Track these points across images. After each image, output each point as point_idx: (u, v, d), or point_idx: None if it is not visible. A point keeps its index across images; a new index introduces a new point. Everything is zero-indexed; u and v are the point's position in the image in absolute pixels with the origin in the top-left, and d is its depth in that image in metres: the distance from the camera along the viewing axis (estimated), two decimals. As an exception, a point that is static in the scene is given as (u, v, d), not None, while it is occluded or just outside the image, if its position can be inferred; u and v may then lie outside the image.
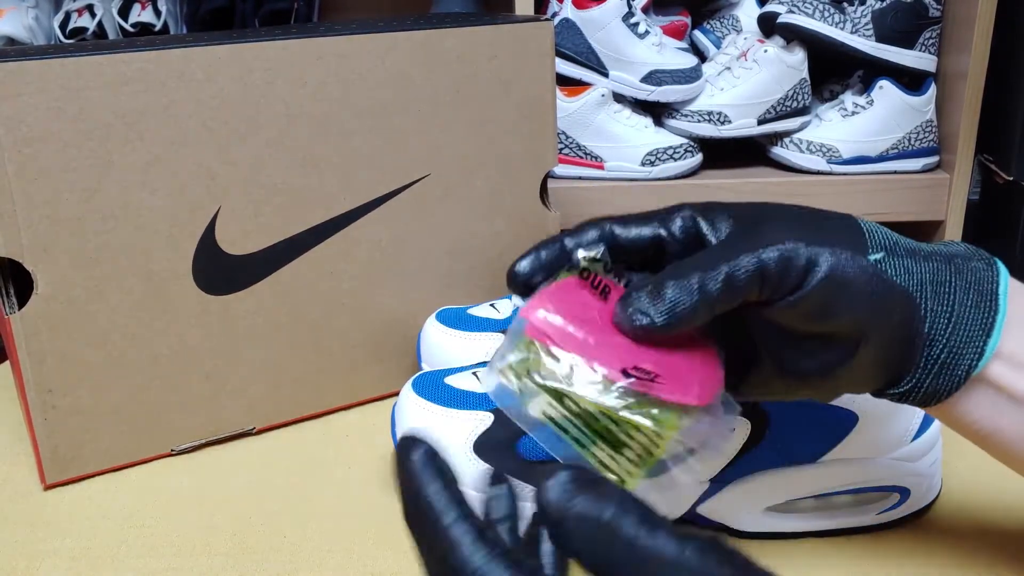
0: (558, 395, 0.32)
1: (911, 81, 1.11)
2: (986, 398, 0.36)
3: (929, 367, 0.36)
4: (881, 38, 1.09)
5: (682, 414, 0.32)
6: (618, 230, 0.37)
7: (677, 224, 0.37)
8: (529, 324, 0.33)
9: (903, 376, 0.36)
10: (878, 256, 0.34)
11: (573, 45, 1.10)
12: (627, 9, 1.09)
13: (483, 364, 0.53)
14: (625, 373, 0.32)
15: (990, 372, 0.36)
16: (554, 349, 0.33)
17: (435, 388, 0.50)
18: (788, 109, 1.11)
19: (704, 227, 0.36)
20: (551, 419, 0.32)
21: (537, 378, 0.32)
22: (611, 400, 0.32)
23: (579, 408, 0.32)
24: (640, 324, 0.33)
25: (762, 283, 0.33)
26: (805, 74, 1.11)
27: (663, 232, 0.37)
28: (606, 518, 0.25)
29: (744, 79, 1.10)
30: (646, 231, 0.37)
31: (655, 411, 0.32)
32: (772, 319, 0.35)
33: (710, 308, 0.33)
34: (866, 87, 1.12)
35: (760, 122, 1.11)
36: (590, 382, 0.32)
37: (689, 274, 0.33)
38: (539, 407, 0.32)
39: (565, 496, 0.25)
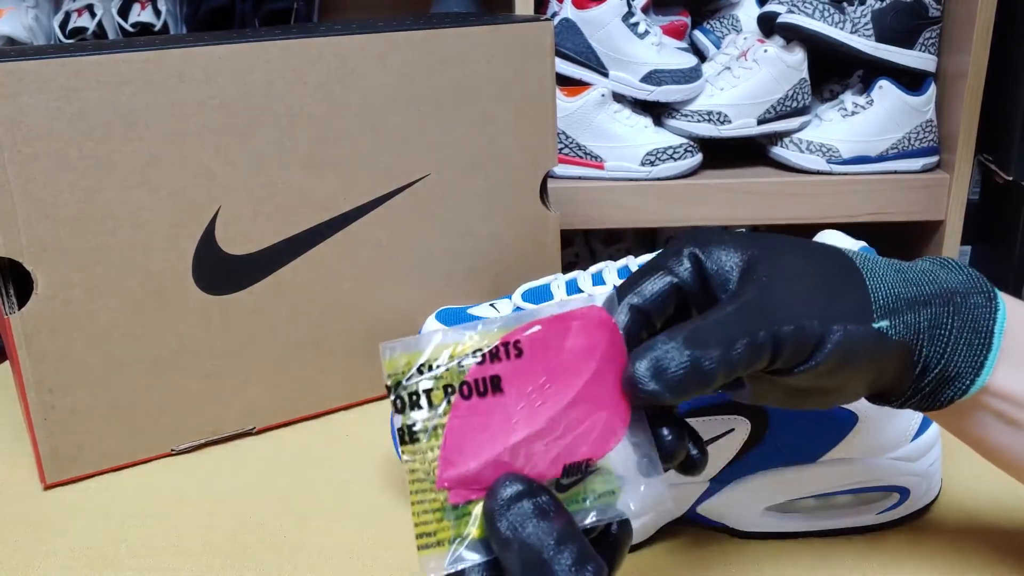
0: None
1: (911, 81, 1.11)
2: (984, 419, 0.37)
3: (917, 393, 0.37)
4: (881, 38, 1.09)
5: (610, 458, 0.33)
6: (635, 301, 0.35)
7: (685, 269, 0.36)
8: (451, 492, 0.31)
9: (891, 398, 0.37)
10: (883, 324, 0.35)
11: (573, 45, 1.10)
12: (627, 9, 1.09)
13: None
14: (558, 483, 0.32)
15: (984, 400, 0.37)
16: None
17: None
18: (788, 109, 1.11)
19: (709, 268, 0.36)
20: None
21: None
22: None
23: None
24: (653, 396, 0.32)
25: (774, 357, 0.33)
26: (805, 74, 1.11)
27: (676, 280, 0.36)
28: (546, 556, 0.29)
29: (744, 79, 1.10)
30: (660, 286, 0.36)
31: (595, 479, 0.32)
32: (777, 379, 0.35)
33: (724, 380, 0.33)
34: (866, 87, 1.12)
35: (760, 122, 1.11)
36: None
37: (710, 346, 0.32)
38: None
39: (517, 518, 0.30)
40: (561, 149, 1.10)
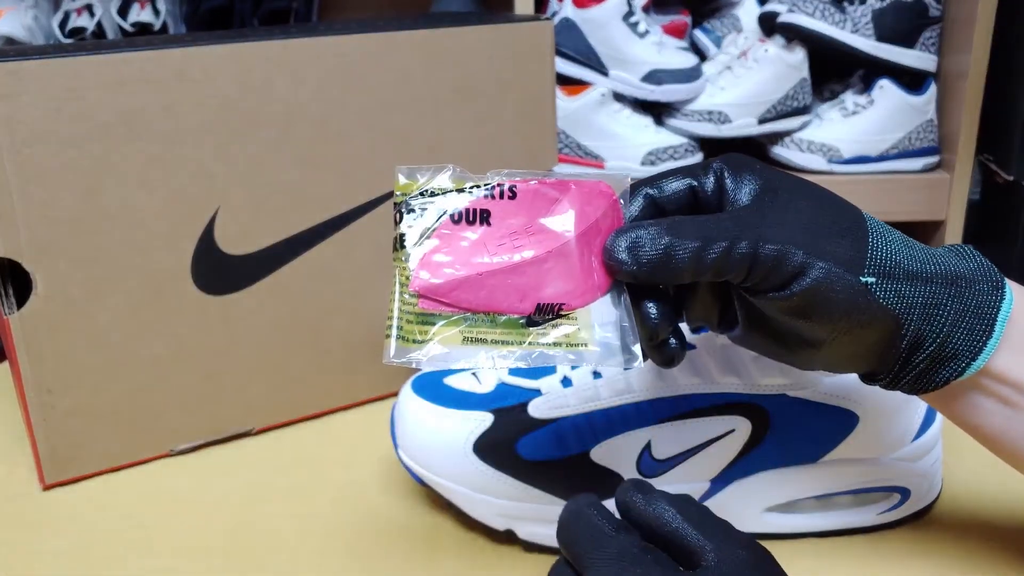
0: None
1: (911, 81, 1.11)
2: (983, 403, 0.37)
3: (908, 371, 0.37)
4: (881, 38, 1.09)
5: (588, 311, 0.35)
6: (652, 192, 0.37)
7: (708, 179, 0.37)
8: (420, 298, 0.35)
9: (876, 374, 0.38)
10: (870, 280, 0.35)
11: (573, 45, 1.09)
12: (627, 8, 1.09)
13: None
14: (530, 319, 0.34)
15: (983, 383, 0.37)
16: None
17: (435, 388, 0.50)
18: (788, 109, 1.11)
19: (729, 184, 0.37)
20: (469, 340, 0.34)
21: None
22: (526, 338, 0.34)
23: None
24: (622, 268, 0.34)
25: (750, 272, 0.34)
26: (805, 73, 1.11)
27: (696, 184, 0.37)
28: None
29: (744, 78, 1.10)
30: (679, 185, 0.37)
31: (567, 325, 0.35)
32: (751, 299, 0.36)
33: (693, 276, 0.34)
34: (866, 87, 1.12)
35: (760, 121, 1.11)
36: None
37: (688, 238, 0.34)
38: (455, 339, 0.34)
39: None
40: (561, 149, 1.10)
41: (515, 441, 0.46)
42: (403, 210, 0.35)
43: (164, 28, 1.16)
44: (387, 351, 0.34)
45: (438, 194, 0.35)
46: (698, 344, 0.45)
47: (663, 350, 0.37)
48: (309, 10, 1.25)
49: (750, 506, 0.47)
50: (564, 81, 1.09)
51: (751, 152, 1.16)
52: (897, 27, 1.09)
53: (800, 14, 1.09)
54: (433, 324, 0.34)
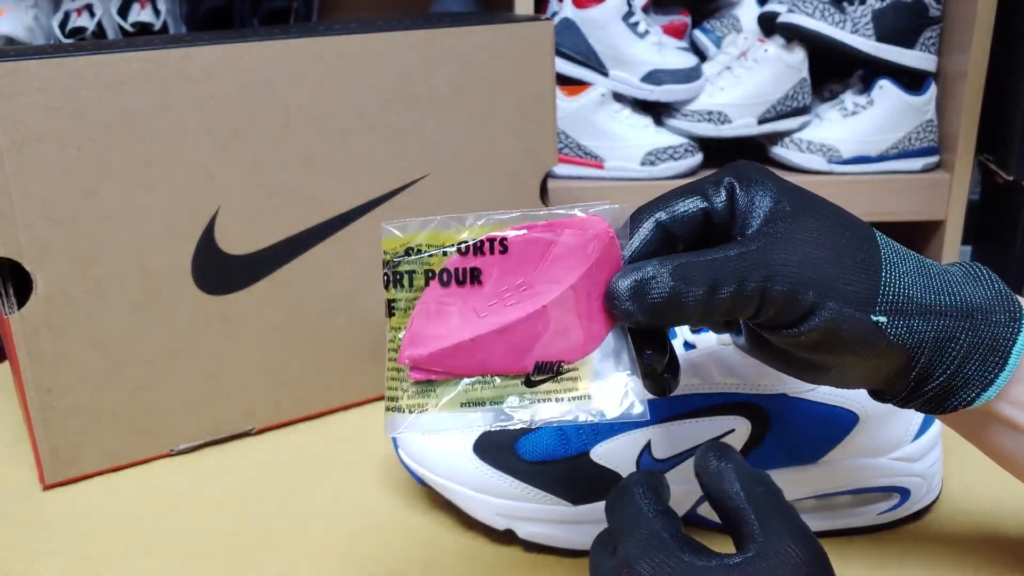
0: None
1: (911, 81, 1.11)
2: (993, 427, 0.37)
3: (920, 397, 0.36)
4: (881, 38, 1.09)
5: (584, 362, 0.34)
6: (663, 217, 0.35)
7: (720, 199, 0.35)
8: (411, 369, 0.33)
9: (888, 397, 0.37)
10: (881, 319, 0.34)
11: (573, 45, 1.09)
12: (627, 8, 1.09)
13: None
14: (528, 378, 0.33)
15: (994, 409, 0.36)
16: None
17: None
18: (788, 109, 1.11)
19: (740, 201, 0.35)
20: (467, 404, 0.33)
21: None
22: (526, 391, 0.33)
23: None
24: (628, 317, 0.33)
25: (758, 311, 0.33)
26: (805, 74, 1.11)
27: (708, 207, 0.35)
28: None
29: (744, 79, 1.10)
30: (691, 208, 0.35)
31: (568, 380, 0.33)
32: (760, 331, 0.35)
33: (701, 320, 0.33)
34: (866, 87, 1.12)
35: (760, 122, 1.11)
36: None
37: (695, 283, 0.32)
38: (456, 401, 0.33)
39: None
40: (561, 149, 1.10)
41: (515, 441, 0.46)
42: (390, 275, 0.33)
43: (164, 28, 1.16)
44: (386, 425, 0.33)
45: (424, 253, 0.33)
46: (698, 344, 0.45)
47: (657, 380, 0.36)
48: (309, 10, 1.25)
49: (750, 506, 0.47)
50: (564, 81, 1.09)
51: (751, 152, 1.16)
52: (897, 27, 1.09)
53: (800, 14, 1.09)
54: (430, 392, 0.33)
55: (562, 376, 0.33)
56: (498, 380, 0.33)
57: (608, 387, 0.33)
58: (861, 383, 0.37)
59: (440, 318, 0.33)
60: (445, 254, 0.33)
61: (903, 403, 0.37)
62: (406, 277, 0.33)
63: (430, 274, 0.33)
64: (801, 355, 0.35)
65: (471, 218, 0.34)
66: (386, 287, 0.33)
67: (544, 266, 0.33)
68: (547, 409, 0.33)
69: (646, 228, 0.35)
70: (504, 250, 0.33)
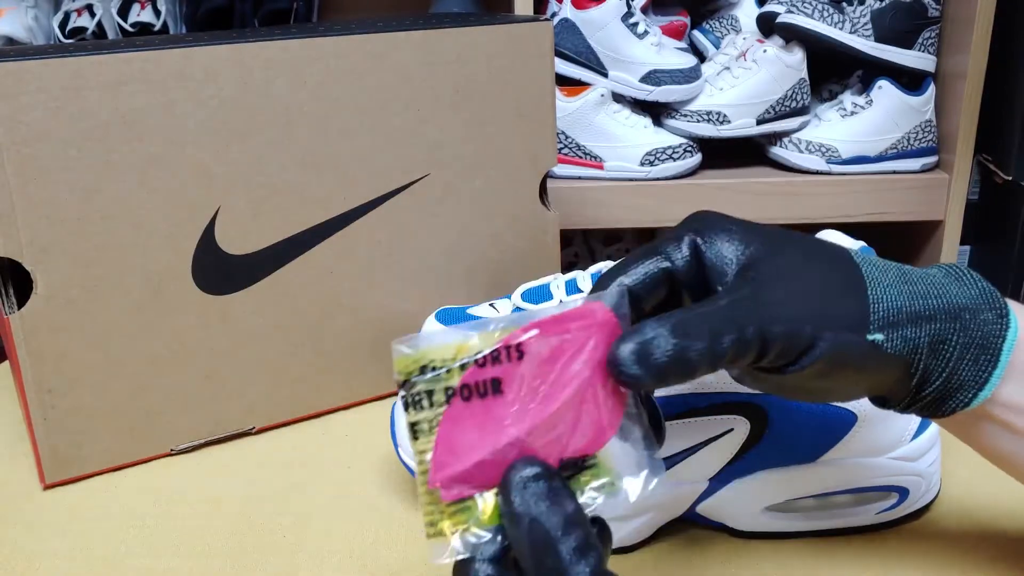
0: None
1: (910, 81, 1.11)
2: (990, 429, 0.37)
3: (919, 402, 0.37)
4: (880, 38, 1.09)
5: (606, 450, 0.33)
6: (626, 282, 0.35)
7: (682, 256, 0.36)
8: (443, 491, 0.32)
9: (891, 404, 0.37)
10: (878, 338, 0.34)
11: (572, 45, 1.10)
12: (626, 9, 1.09)
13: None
14: (558, 472, 0.33)
15: (990, 411, 0.37)
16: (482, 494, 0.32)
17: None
18: (787, 109, 1.11)
19: (708, 256, 0.35)
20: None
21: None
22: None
23: None
24: (636, 381, 0.32)
25: (760, 354, 0.33)
26: (804, 74, 1.11)
27: (670, 266, 0.36)
28: (553, 535, 0.30)
29: (743, 79, 1.10)
30: (652, 270, 0.36)
31: (592, 471, 0.33)
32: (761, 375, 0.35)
33: (706, 372, 0.33)
34: (865, 87, 1.13)
35: (759, 122, 1.11)
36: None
37: (695, 338, 0.32)
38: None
39: (532, 496, 0.31)
40: (561, 149, 1.10)
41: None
42: (408, 397, 0.32)
43: (164, 28, 1.16)
44: (431, 553, 0.32)
45: (441, 368, 0.32)
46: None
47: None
48: (309, 10, 1.25)
49: (749, 505, 0.47)
50: (564, 81, 1.10)
51: (750, 152, 1.16)
52: (896, 27, 1.09)
53: (799, 15, 1.09)
54: (466, 511, 0.32)
55: (586, 469, 0.33)
56: None
57: (628, 468, 0.33)
58: (864, 395, 0.37)
59: (465, 433, 0.32)
60: (463, 368, 0.32)
61: (903, 409, 0.37)
62: (425, 397, 0.32)
63: (450, 391, 0.32)
64: (805, 385, 0.35)
65: (478, 327, 0.33)
66: (406, 409, 0.32)
67: (559, 365, 0.33)
68: (584, 504, 0.33)
69: (613, 296, 0.35)
70: (520, 356, 0.33)
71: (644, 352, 0.32)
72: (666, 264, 0.36)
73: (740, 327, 0.32)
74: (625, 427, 0.34)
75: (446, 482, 0.32)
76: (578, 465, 0.33)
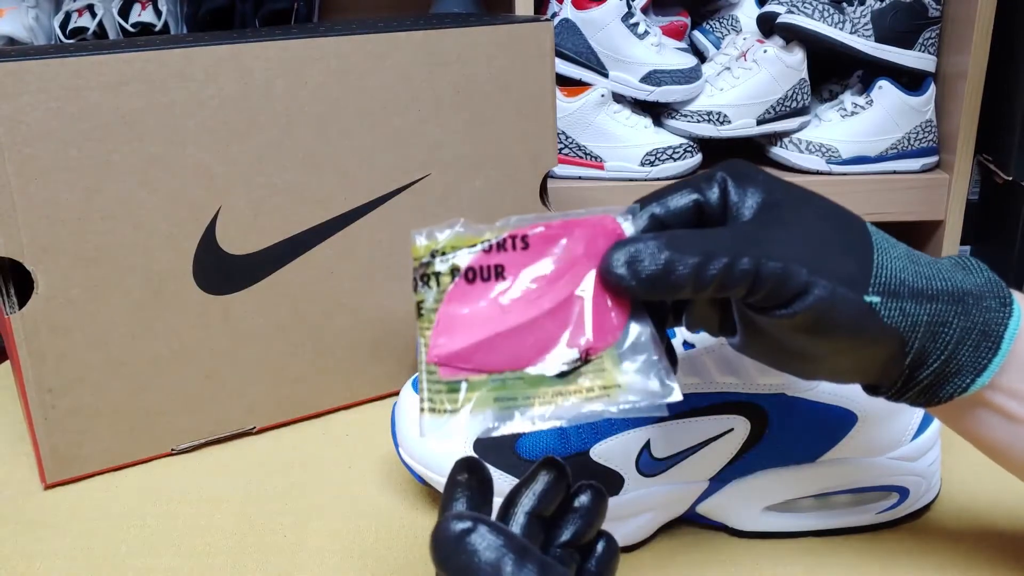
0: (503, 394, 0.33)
1: (910, 81, 1.11)
2: (986, 417, 0.37)
3: (915, 386, 0.36)
4: (880, 38, 1.09)
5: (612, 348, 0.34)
6: (657, 210, 0.36)
7: (713, 192, 0.36)
8: (440, 367, 0.33)
9: (882, 389, 0.37)
10: (874, 300, 0.34)
11: (573, 45, 1.10)
12: (627, 9, 1.09)
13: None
14: (559, 372, 0.33)
15: (987, 398, 0.37)
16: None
17: None
18: (787, 109, 1.11)
19: (732, 195, 0.36)
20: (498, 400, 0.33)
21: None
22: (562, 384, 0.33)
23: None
24: (620, 283, 0.33)
25: (752, 289, 0.33)
26: (804, 74, 1.11)
27: (701, 200, 0.36)
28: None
29: (743, 79, 1.10)
30: (684, 202, 0.36)
31: (596, 370, 0.34)
32: (753, 315, 0.36)
33: (694, 292, 0.34)
34: (865, 87, 1.12)
35: (759, 122, 1.11)
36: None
37: (688, 252, 0.33)
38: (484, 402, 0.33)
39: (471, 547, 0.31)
40: (561, 149, 1.10)
41: (515, 440, 0.46)
42: (417, 278, 0.34)
43: (165, 29, 1.16)
44: (422, 426, 0.33)
45: (450, 254, 0.34)
46: (697, 344, 0.45)
47: None
48: (310, 11, 1.25)
49: (749, 505, 0.47)
50: (564, 82, 1.10)
51: (750, 153, 1.16)
52: (896, 28, 1.09)
53: (799, 15, 1.09)
54: (460, 390, 0.33)
55: (589, 366, 0.33)
56: (526, 374, 0.33)
57: (637, 375, 0.34)
58: (856, 374, 0.37)
59: (467, 315, 0.34)
60: (472, 249, 0.34)
61: (898, 395, 0.37)
62: (433, 278, 0.34)
63: (455, 272, 0.34)
64: (795, 341, 0.35)
65: (488, 226, 0.35)
66: (415, 289, 0.34)
67: (564, 261, 0.34)
68: (580, 403, 0.33)
69: (641, 220, 0.36)
70: (526, 247, 0.34)
71: (634, 258, 0.33)
72: (697, 196, 0.36)
73: (735, 254, 0.33)
74: (636, 336, 0.34)
75: (443, 358, 0.33)
76: (581, 359, 0.34)
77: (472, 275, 0.34)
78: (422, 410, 0.33)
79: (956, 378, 0.36)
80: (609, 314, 0.34)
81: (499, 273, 0.34)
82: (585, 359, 0.34)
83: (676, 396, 0.33)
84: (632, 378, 0.33)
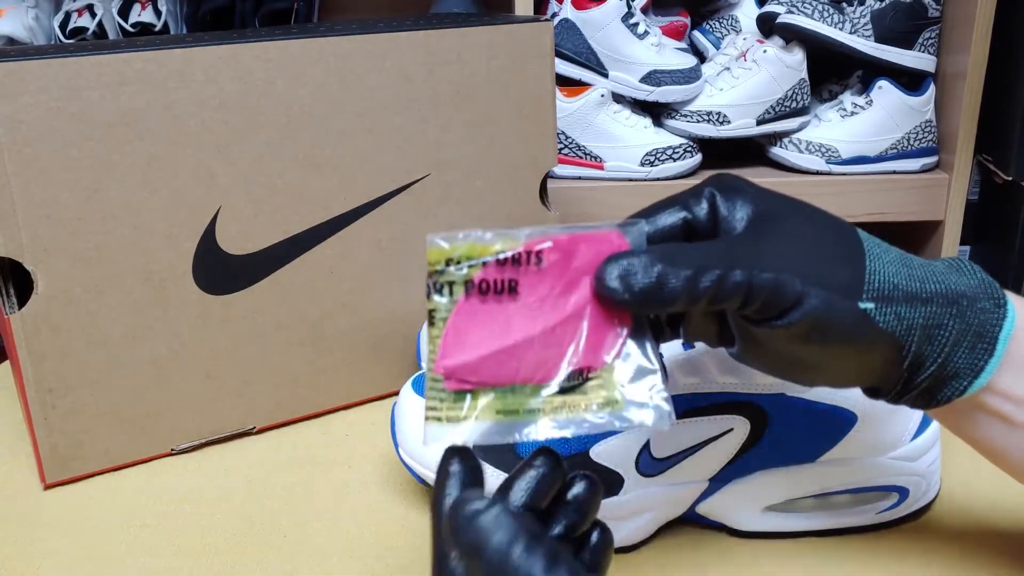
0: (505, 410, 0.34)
1: (910, 81, 1.12)
2: (985, 420, 0.37)
3: (913, 389, 0.36)
4: (880, 38, 1.09)
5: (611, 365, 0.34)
6: (646, 228, 0.36)
7: (701, 208, 0.37)
8: (446, 379, 0.34)
9: (882, 393, 0.37)
10: (868, 306, 0.34)
11: (573, 45, 1.10)
12: (626, 9, 1.09)
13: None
14: (561, 388, 0.34)
15: (984, 400, 0.37)
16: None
17: None
18: (787, 109, 1.11)
19: (722, 210, 0.36)
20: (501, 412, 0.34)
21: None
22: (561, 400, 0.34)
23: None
24: (613, 297, 0.34)
25: (745, 301, 0.34)
26: (804, 74, 1.11)
27: (689, 216, 0.37)
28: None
29: (743, 79, 1.10)
30: (673, 219, 0.37)
31: (597, 387, 0.34)
32: (749, 327, 0.36)
33: (687, 305, 0.34)
34: (865, 87, 1.13)
35: (759, 122, 1.11)
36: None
37: (681, 266, 0.33)
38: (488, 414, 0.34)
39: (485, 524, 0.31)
40: (561, 149, 1.10)
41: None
42: (430, 285, 0.34)
43: (165, 29, 1.16)
44: (425, 434, 0.33)
45: (465, 264, 0.34)
46: (697, 344, 0.45)
47: None
48: (310, 11, 1.25)
49: (749, 505, 0.47)
50: (564, 82, 1.10)
51: (750, 153, 1.16)
52: (896, 28, 1.09)
53: (799, 15, 1.09)
54: (464, 401, 0.34)
55: (591, 382, 0.34)
56: (530, 389, 0.34)
57: (636, 392, 0.34)
58: (855, 378, 0.37)
59: (476, 328, 0.34)
60: (484, 264, 0.34)
61: (897, 398, 0.37)
62: (447, 288, 0.34)
63: (469, 284, 0.34)
64: (793, 350, 0.35)
65: (504, 233, 0.35)
66: (428, 296, 0.34)
67: (570, 277, 0.35)
68: (581, 418, 0.34)
69: (630, 238, 0.36)
70: (539, 262, 0.35)
71: (627, 272, 0.33)
72: (685, 213, 0.37)
73: (727, 267, 0.33)
74: (635, 354, 0.34)
75: (449, 371, 0.34)
76: (582, 378, 0.34)
77: (485, 287, 0.34)
78: (427, 418, 0.33)
79: (954, 380, 0.36)
80: (610, 330, 0.34)
81: (512, 288, 0.34)
82: (587, 375, 0.34)
83: (670, 420, 0.34)
84: (632, 393, 0.34)
